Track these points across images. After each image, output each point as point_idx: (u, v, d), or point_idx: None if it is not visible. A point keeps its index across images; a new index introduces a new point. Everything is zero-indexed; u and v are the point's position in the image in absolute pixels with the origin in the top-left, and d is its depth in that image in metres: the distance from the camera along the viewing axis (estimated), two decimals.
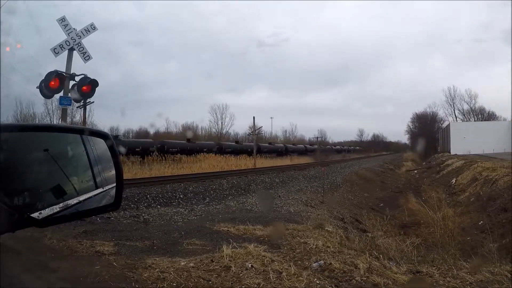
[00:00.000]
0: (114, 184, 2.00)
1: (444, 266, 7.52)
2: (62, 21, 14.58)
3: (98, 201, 1.97)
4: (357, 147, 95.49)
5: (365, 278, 6.66)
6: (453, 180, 28.63)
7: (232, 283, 6.12)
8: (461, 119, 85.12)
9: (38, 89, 14.17)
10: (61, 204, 1.67)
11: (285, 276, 6.44)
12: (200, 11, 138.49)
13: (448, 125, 75.31)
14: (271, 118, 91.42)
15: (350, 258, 7.72)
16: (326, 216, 14.63)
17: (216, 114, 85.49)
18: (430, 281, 6.65)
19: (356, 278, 6.64)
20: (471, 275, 6.79)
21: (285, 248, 8.35)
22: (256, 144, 55.17)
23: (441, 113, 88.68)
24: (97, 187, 1.98)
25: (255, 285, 6.03)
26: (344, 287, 6.37)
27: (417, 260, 8.55)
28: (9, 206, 1.39)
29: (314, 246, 8.41)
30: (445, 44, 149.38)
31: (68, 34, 14.47)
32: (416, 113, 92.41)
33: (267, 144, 64.39)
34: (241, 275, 6.43)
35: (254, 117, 54.67)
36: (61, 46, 14.50)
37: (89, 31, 14.90)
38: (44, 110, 47.47)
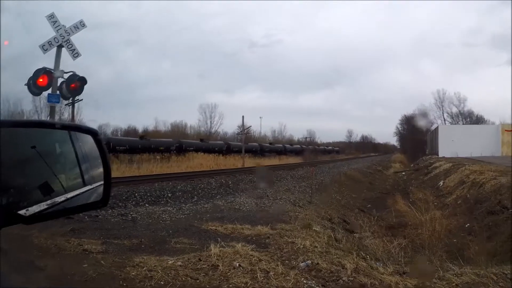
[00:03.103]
0: (102, 182, 2.00)
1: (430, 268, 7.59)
2: (51, 17, 14.48)
3: (86, 198, 1.96)
4: (336, 148, 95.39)
5: (352, 278, 6.71)
6: (441, 183, 28.83)
7: (219, 282, 6.14)
8: (450, 122, 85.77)
9: (26, 86, 14.08)
10: (48, 201, 1.67)
11: (273, 275, 6.47)
12: (195, 11, 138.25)
13: (437, 128, 75.79)
14: (260, 117, 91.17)
15: (337, 258, 7.77)
16: (314, 216, 14.65)
17: (205, 113, 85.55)
18: (416, 282, 6.70)
19: (343, 278, 6.69)
20: (457, 277, 6.86)
21: (273, 247, 8.38)
22: (260, 145, 56.90)
23: (430, 116, 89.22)
24: (85, 185, 1.98)
25: (243, 284, 6.05)
26: (331, 287, 6.41)
27: (404, 261, 8.62)
28: None
29: (302, 246, 8.43)
30: (436, 48, 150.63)
31: (57, 30, 14.37)
32: (405, 115, 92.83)
33: (268, 144, 65.57)
34: (228, 274, 6.45)
35: (243, 117, 54.56)
36: (49, 42, 14.40)
37: (78, 28, 14.80)
38: (32, 107, 47.16)
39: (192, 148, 46.68)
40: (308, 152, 69.94)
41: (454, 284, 6.57)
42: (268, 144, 67.06)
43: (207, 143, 53.00)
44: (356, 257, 7.93)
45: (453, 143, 63.54)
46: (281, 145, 72.25)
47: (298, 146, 79.09)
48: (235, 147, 55.06)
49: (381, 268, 7.54)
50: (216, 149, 51.23)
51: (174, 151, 41.16)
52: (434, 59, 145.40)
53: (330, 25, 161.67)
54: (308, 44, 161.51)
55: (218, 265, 6.73)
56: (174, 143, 45.45)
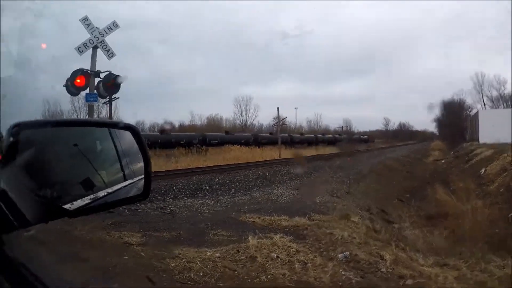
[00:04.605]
0: (143, 176, 2.05)
1: (472, 259, 7.42)
2: (85, 20, 14.80)
3: (127, 192, 2.02)
4: (364, 136, 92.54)
5: (391, 270, 6.63)
6: (482, 170, 27.99)
7: (257, 273, 6.19)
8: (490, 106, 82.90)
9: (64, 88, 14.46)
10: (91, 196, 1.73)
11: (311, 266, 6.47)
12: (223, 6, 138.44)
13: (477, 113, 73.31)
14: (296, 108, 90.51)
15: (376, 249, 7.69)
16: (352, 206, 14.54)
17: (240, 106, 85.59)
18: (457, 274, 6.58)
19: (382, 270, 6.62)
20: (500, 269, 6.71)
21: (311, 238, 8.37)
22: (289, 135, 55.58)
23: (469, 100, 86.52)
24: (125, 179, 2.03)
25: (281, 276, 6.08)
26: (370, 278, 6.36)
27: (445, 253, 8.47)
28: (42, 198, 1.46)
29: (340, 237, 8.39)
30: (471, 30, 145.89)
31: (91, 33, 14.68)
32: (443, 101, 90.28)
33: (298, 135, 64.45)
34: (266, 265, 6.49)
35: (278, 108, 54.54)
36: (85, 44, 14.72)
37: (111, 29, 15.08)
38: (71, 107, 48.14)
39: (216, 141, 45.22)
40: (343, 142, 68.67)
41: (496, 276, 6.42)
42: (298, 135, 65.12)
43: (232, 136, 50.88)
44: (395, 248, 7.83)
45: (494, 129, 61.31)
46: (312, 135, 70.34)
47: (331, 136, 77.34)
48: (263, 139, 53.26)
49: (421, 259, 7.43)
50: (243, 141, 48.29)
51: (198, 145, 39.67)
52: (469, 41, 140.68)
53: (360, 12, 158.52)
54: (338, 32, 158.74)
55: (256, 257, 6.78)
56: (197, 136, 44.13)
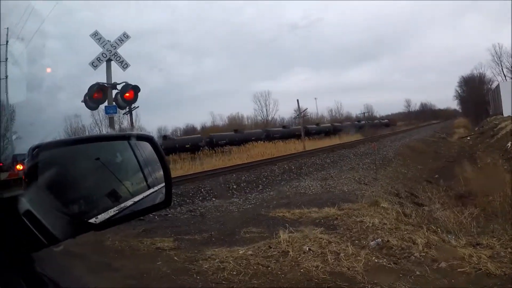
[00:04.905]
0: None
1: (505, 237, 7.33)
2: (95, 35, 15.03)
3: (153, 200, 2.05)
4: (385, 120, 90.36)
5: (423, 254, 6.60)
6: (509, 144, 27.46)
7: (290, 267, 6.21)
8: (511, 78, 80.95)
9: (83, 103, 14.70)
10: (116, 207, 1.77)
11: (343, 256, 6.47)
12: (227, 6, 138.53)
13: (498, 86, 71.55)
14: (315, 98, 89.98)
15: (408, 234, 7.65)
16: (380, 192, 14.48)
17: (259, 102, 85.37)
18: (491, 253, 6.49)
19: (415, 254, 6.58)
20: None
21: (342, 228, 8.37)
22: (304, 127, 53.96)
23: (488, 74, 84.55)
24: (149, 187, 2.07)
25: (314, 268, 6.09)
26: (403, 264, 6.32)
27: (477, 232, 8.37)
28: (67, 214, 1.50)
29: (371, 224, 8.37)
30: (479, 1, 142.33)
31: (103, 46, 14.90)
32: (463, 77, 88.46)
33: (314, 126, 62.93)
34: (299, 259, 6.51)
35: (298, 100, 54.68)
36: (98, 59, 14.95)
37: (122, 40, 15.27)
38: (92, 121, 48.49)
39: (224, 141, 43.02)
40: (364, 128, 67.47)
41: None
42: (314, 126, 62.87)
43: (242, 134, 48.12)
44: (426, 231, 7.78)
45: None
46: (328, 125, 68.12)
47: (349, 122, 75.83)
48: (276, 133, 51.08)
49: (453, 240, 7.37)
50: (253, 138, 46.02)
51: (205, 148, 38.72)
52: (479, 13, 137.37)
53: None
54: (347, 17, 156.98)
55: (288, 251, 6.80)
56: (203, 138, 43.16)
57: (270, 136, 48.88)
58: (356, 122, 76.48)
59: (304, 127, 53.15)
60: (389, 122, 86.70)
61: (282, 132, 52.06)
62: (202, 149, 37.55)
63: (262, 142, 43.04)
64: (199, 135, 46.98)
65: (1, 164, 19.88)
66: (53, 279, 1.55)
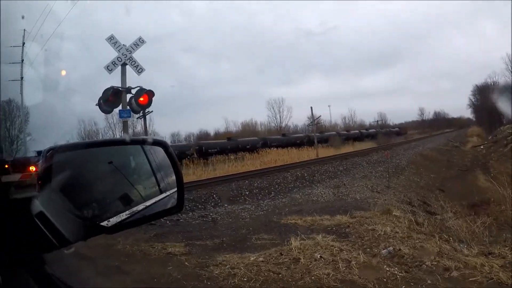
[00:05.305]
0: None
1: None
2: (111, 39, 15.09)
3: (164, 205, 2.05)
4: (395, 128, 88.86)
5: (435, 263, 6.54)
6: None
7: (301, 275, 6.18)
8: None
9: (97, 106, 14.77)
10: (128, 211, 1.77)
11: (355, 264, 6.44)
12: (244, 9, 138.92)
13: None
14: (329, 106, 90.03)
15: (420, 242, 7.61)
16: (393, 201, 14.37)
17: (273, 108, 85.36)
18: (503, 262, 6.42)
19: (427, 263, 6.53)
20: None
21: (353, 236, 8.33)
22: (307, 135, 52.65)
23: (502, 82, 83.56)
24: (161, 192, 2.07)
25: (325, 276, 6.05)
26: (415, 273, 6.27)
27: (489, 241, 8.28)
28: (79, 217, 1.52)
29: (383, 233, 8.32)
30: (494, 8, 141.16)
31: (118, 50, 14.95)
32: (476, 85, 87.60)
33: (318, 134, 60.91)
34: (310, 266, 6.48)
35: (311, 107, 54.54)
36: (113, 63, 15.00)
37: (138, 45, 15.32)
38: (106, 124, 48.71)
39: (215, 150, 40.10)
40: (378, 136, 66.73)
41: None
42: (318, 134, 60.64)
43: (235, 141, 44.99)
44: (438, 240, 7.73)
45: None
46: (334, 132, 65.92)
47: (357, 131, 73.75)
48: (273, 142, 47.44)
49: (465, 249, 7.30)
50: (248, 147, 43.39)
51: (194, 156, 36.06)
52: (495, 20, 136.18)
53: (382, 2, 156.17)
54: (361, 25, 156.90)
55: (299, 258, 6.77)
56: (192, 146, 40.97)
57: (267, 144, 46.32)
58: (364, 130, 75.36)
59: (307, 135, 52.07)
60: (400, 131, 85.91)
61: (281, 141, 49.25)
62: (190, 158, 35.36)
63: (275, 149, 42.31)
64: (186, 143, 46.40)
65: (7, 166, 19.83)
66: (62, 279, 1.56)
